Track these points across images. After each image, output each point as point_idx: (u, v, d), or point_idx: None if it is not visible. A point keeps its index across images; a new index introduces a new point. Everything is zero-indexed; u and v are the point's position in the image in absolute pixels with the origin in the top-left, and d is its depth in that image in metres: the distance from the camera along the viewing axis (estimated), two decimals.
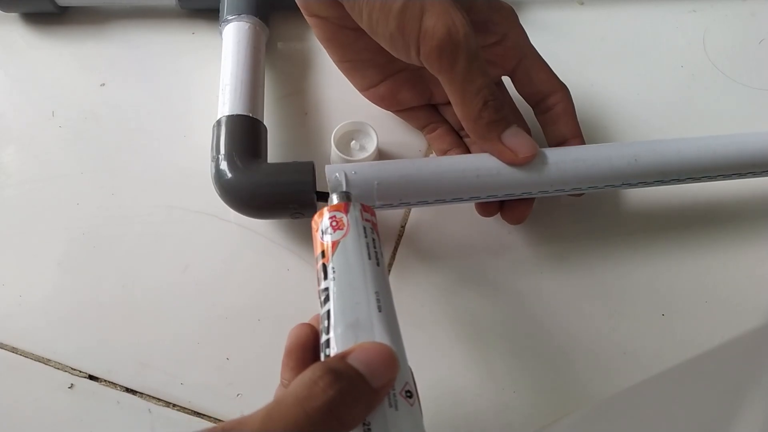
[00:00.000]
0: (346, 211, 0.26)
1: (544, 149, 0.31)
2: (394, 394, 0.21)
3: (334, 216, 0.25)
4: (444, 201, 0.31)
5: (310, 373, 0.19)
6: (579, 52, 0.43)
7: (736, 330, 0.33)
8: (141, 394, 0.30)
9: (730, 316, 0.33)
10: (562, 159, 0.31)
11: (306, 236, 0.35)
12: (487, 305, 0.33)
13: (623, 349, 0.32)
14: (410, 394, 0.22)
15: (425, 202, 0.31)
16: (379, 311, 0.23)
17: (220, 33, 0.39)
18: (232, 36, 0.37)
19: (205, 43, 0.42)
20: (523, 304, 0.33)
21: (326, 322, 0.23)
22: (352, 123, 0.36)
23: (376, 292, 0.24)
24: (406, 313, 0.33)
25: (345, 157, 0.35)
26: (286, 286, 0.33)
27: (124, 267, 0.33)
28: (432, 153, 0.38)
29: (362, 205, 0.26)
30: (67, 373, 0.31)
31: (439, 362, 0.32)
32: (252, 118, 0.34)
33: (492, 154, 0.30)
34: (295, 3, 0.31)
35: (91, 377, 0.31)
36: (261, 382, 0.30)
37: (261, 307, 0.33)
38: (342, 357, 0.20)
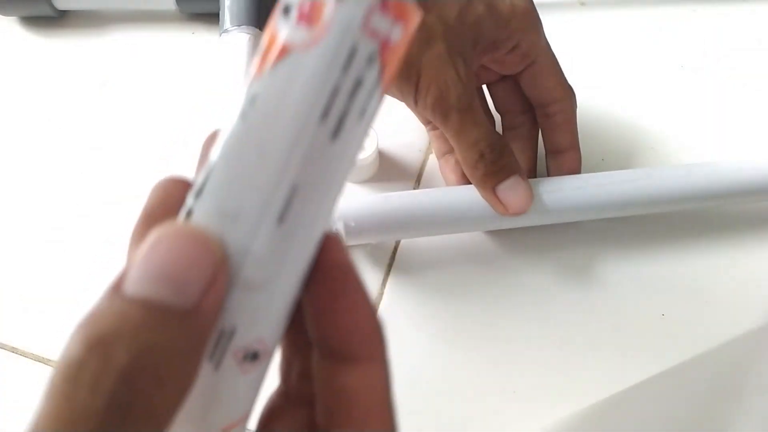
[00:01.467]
0: None
1: (539, 187, 0.32)
2: (224, 347, 0.13)
3: None
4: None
5: (76, 351, 0.11)
6: (579, 52, 0.43)
7: (736, 330, 0.33)
8: None
9: (730, 316, 0.33)
10: (559, 204, 0.32)
11: None
12: (486, 305, 0.33)
13: (623, 349, 0.32)
14: (255, 356, 0.14)
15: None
16: (280, 222, 0.13)
17: (220, 43, 0.39)
18: (232, 47, 0.37)
19: (204, 44, 0.42)
20: (522, 304, 0.33)
21: (201, 180, 0.13)
22: None
23: (293, 186, 0.13)
24: (405, 314, 0.33)
25: None
26: None
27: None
28: (431, 152, 0.38)
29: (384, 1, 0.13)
30: None
31: (439, 362, 0.32)
32: None
33: (486, 201, 0.31)
34: None
35: None
36: None
37: None
38: (116, 287, 0.12)
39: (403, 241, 0.35)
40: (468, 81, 0.29)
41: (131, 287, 0.12)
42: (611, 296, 0.34)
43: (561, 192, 0.32)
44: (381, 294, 0.33)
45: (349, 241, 0.31)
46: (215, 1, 0.40)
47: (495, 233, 0.35)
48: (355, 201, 0.31)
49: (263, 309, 0.13)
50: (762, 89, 0.42)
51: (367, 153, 0.35)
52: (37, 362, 0.31)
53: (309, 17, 0.12)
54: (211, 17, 0.41)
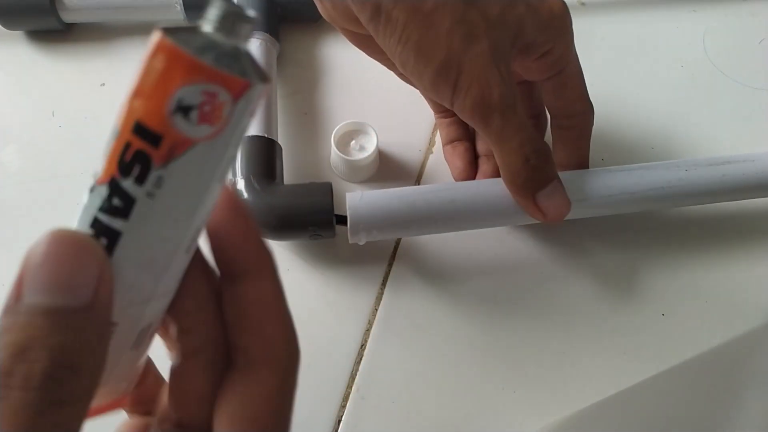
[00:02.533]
0: (238, 96, 0.14)
1: (567, 183, 0.30)
2: (143, 336, 0.16)
3: (213, 97, 0.14)
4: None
5: (3, 362, 0.13)
6: (579, 52, 0.43)
7: (736, 330, 0.33)
8: None
9: (730, 316, 0.33)
10: (587, 197, 0.31)
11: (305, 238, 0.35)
12: (486, 305, 0.33)
13: (623, 349, 0.32)
14: (155, 331, 0.17)
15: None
16: (186, 253, 0.16)
17: None
18: None
19: None
20: (522, 303, 0.33)
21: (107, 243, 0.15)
22: (352, 123, 0.36)
23: (198, 228, 0.16)
24: (406, 313, 0.33)
25: (345, 157, 0.35)
26: (286, 286, 0.33)
27: None
28: (431, 151, 0.38)
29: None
30: None
31: (439, 361, 0.32)
32: (267, 138, 0.33)
33: (521, 206, 0.30)
34: (302, 15, 0.30)
35: None
36: None
37: None
38: (17, 298, 0.14)
39: (403, 240, 0.35)
40: (511, 81, 0.27)
41: (30, 299, 0.14)
42: (611, 296, 0.34)
43: (593, 185, 0.31)
44: (381, 293, 0.33)
45: (354, 240, 0.31)
46: None
47: (495, 234, 0.35)
48: (365, 199, 0.30)
49: (169, 301, 0.17)
50: (762, 89, 0.42)
51: (367, 153, 0.35)
52: None
53: (210, 117, 0.14)
54: None
